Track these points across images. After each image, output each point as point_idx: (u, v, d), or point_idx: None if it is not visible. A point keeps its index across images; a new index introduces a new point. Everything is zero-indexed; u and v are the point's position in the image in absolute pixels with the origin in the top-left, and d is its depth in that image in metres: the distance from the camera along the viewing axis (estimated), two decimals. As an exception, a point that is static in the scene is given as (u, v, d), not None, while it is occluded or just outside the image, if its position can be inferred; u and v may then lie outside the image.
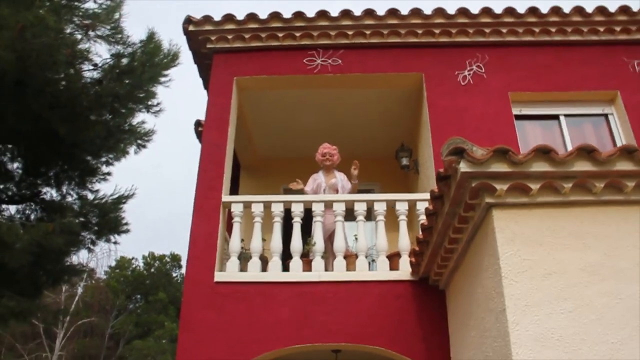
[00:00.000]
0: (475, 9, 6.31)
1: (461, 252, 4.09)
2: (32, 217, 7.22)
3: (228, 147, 5.88)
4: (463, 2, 6.32)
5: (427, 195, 4.44)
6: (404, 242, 5.28)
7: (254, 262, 5.26)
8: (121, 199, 7.48)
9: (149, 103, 7.06)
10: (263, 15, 6.34)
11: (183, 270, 29.67)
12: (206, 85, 6.78)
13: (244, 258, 5.40)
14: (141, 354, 22.80)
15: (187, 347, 4.81)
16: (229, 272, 5.21)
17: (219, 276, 5.15)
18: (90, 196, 7.44)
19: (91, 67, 6.34)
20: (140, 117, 7.51)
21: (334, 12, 6.34)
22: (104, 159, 7.54)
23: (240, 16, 6.35)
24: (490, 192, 3.30)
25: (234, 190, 7.07)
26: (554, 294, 3.09)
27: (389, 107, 6.95)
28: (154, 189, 50.65)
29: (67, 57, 5.69)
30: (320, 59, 6.31)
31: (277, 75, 6.30)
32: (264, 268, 5.31)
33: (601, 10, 6.22)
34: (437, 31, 6.29)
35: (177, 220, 47.00)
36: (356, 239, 5.39)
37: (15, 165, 7.19)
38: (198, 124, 7.59)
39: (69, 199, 7.42)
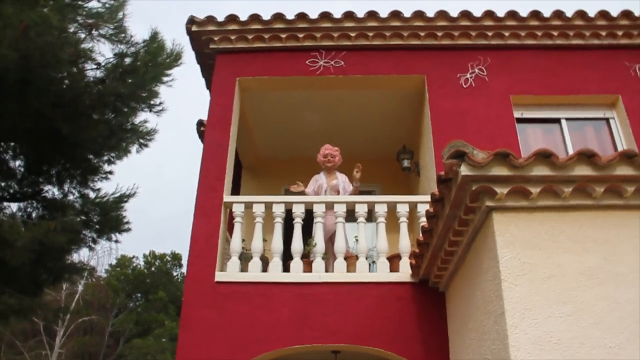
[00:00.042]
0: (477, 12, 6.32)
1: (461, 255, 4.11)
2: (34, 215, 7.24)
3: (230, 147, 5.90)
4: (466, 4, 6.33)
5: (428, 198, 4.45)
6: (405, 243, 5.29)
7: (255, 263, 5.28)
8: (123, 198, 7.49)
9: (152, 102, 7.08)
10: (266, 16, 6.37)
11: (183, 270, 29.76)
12: (209, 85, 6.80)
13: (244, 258, 5.42)
14: (141, 353, 22.82)
15: (187, 346, 4.83)
16: (230, 272, 5.23)
17: (219, 276, 5.17)
18: (92, 195, 7.46)
19: (94, 66, 6.36)
20: (143, 116, 7.56)
21: (337, 14, 6.36)
22: (105, 158, 7.55)
23: (243, 17, 6.38)
24: (491, 196, 3.31)
25: (235, 190, 7.09)
26: (553, 298, 3.10)
27: (390, 109, 6.97)
28: (155, 188, 50.70)
29: (70, 56, 5.71)
30: (322, 60, 6.33)
31: (279, 76, 6.32)
32: (265, 268, 5.33)
33: (603, 14, 6.24)
34: (439, 34, 6.30)
35: (179, 219, 47.07)
36: (357, 240, 5.41)
37: (17, 163, 7.21)
38: (200, 123, 7.62)
39: (71, 197, 7.44)
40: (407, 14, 6.31)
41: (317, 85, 6.42)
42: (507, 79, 6.15)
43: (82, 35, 5.99)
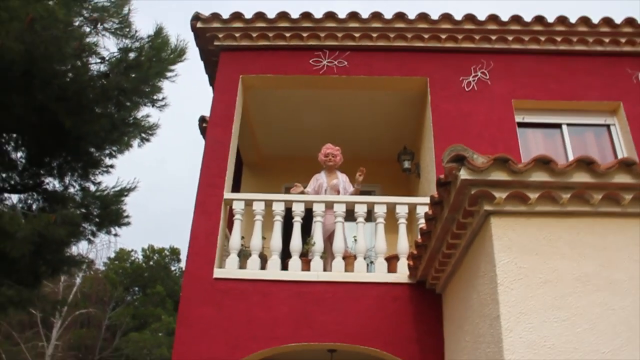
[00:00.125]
0: (482, 16, 6.34)
1: (458, 258, 4.13)
2: (34, 207, 7.27)
3: (232, 144, 5.92)
4: (470, 8, 6.35)
5: (427, 200, 4.48)
6: (403, 245, 5.32)
7: (254, 260, 5.30)
8: (123, 192, 7.51)
9: (155, 97, 7.10)
10: (270, 14, 6.38)
11: (182, 264, 29.81)
12: (212, 82, 6.83)
13: (243, 255, 5.45)
14: (137, 347, 22.86)
15: (184, 342, 4.86)
16: (229, 269, 5.26)
17: (218, 272, 5.20)
18: (93, 188, 7.49)
19: (98, 61, 6.38)
20: (145, 111, 7.57)
21: (342, 14, 6.38)
22: (107, 152, 7.58)
23: (247, 15, 6.40)
24: (489, 200, 3.34)
25: (235, 188, 7.11)
26: (548, 303, 3.13)
27: (392, 110, 6.99)
28: (157, 183, 50.75)
29: (75, 50, 5.73)
30: (326, 60, 6.35)
31: (283, 74, 6.34)
32: (263, 266, 5.36)
33: (607, 21, 6.26)
34: (443, 36, 6.32)
35: (178, 214, 47.11)
36: (355, 240, 5.43)
37: (19, 154, 7.24)
38: (202, 119, 7.63)
39: (71, 190, 7.46)
40: (412, 15, 6.33)
41: (320, 84, 6.44)
42: (510, 83, 6.17)
43: (87, 29, 6.01)
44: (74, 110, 6.13)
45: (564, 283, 3.18)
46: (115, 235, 7.82)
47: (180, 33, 6.91)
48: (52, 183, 7.36)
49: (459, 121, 5.94)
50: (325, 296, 5.07)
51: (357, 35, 6.34)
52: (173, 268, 30.53)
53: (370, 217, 5.62)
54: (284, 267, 5.32)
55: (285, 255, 5.39)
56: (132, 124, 7.35)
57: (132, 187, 7.58)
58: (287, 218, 5.55)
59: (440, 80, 6.22)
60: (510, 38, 6.31)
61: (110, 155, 7.60)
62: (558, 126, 6.22)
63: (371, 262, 5.75)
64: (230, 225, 5.69)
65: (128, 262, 29.38)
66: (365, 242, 5.42)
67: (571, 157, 5.87)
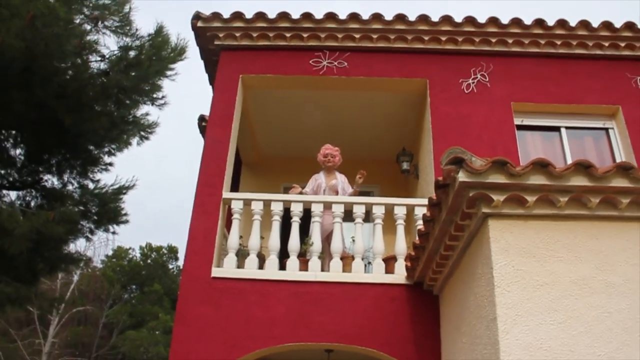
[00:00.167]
0: (482, 18, 6.36)
1: (456, 259, 4.15)
2: (32, 204, 7.28)
3: (231, 143, 5.93)
4: (470, 10, 6.37)
5: (426, 201, 4.49)
6: (401, 246, 5.33)
7: (252, 259, 5.31)
8: (121, 190, 7.53)
9: (154, 96, 7.12)
10: (270, 14, 6.39)
11: (179, 263, 29.79)
12: (212, 81, 6.83)
13: (241, 255, 5.46)
14: (134, 344, 22.84)
15: (182, 341, 4.87)
16: (227, 268, 5.26)
17: (216, 272, 5.21)
18: (91, 185, 7.51)
19: (98, 59, 6.40)
20: (145, 109, 7.58)
21: (342, 15, 6.39)
22: (106, 149, 7.59)
23: (248, 14, 6.41)
24: (487, 202, 3.35)
25: (234, 187, 7.12)
26: (544, 305, 3.15)
27: (392, 111, 7.00)
28: (155, 181, 50.73)
29: (75, 47, 5.74)
30: (326, 60, 6.36)
31: (282, 74, 6.35)
32: (261, 266, 5.37)
33: (607, 25, 6.28)
34: (443, 38, 6.34)
35: (176, 212, 47.06)
36: (353, 240, 5.44)
37: (18, 151, 7.24)
38: (202, 118, 7.64)
39: (70, 187, 7.48)
40: (412, 17, 6.35)
41: (319, 85, 6.45)
42: (509, 86, 6.19)
43: (88, 27, 6.03)
44: (74, 108, 6.14)
45: (561, 286, 3.20)
46: (114, 233, 7.84)
47: (181, 32, 6.94)
48: (50, 180, 7.39)
49: (458, 123, 5.95)
50: (323, 296, 5.08)
51: (357, 36, 6.35)
52: (171, 266, 30.52)
53: (368, 217, 5.64)
54: (282, 267, 5.33)
55: (284, 255, 5.40)
56: (131, 122, 7.37)
57: (131, 185, 7.61)
58: (285, 218, 5.56)
59: (440, 82, 6.24)
60: (510, 41, 6.32)
61: (109, 153, 7.62)
62: (557, 129, 6.24)
63: (369, 263, 5.76)
64: (228, 224, 5.70)
65: (126, 260, 29.36)
66: (363, 243, 5.43)
67: (570, 160, 5.89)
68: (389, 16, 6.35)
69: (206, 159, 5.82)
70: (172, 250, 30.49)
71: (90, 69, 6.35)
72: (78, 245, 10.24)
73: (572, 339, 3.05)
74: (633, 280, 3.21)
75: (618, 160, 5.94)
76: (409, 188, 7.48)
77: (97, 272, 25.41)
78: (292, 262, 5.30)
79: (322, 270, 5.33)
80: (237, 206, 5.53)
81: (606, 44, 6.32)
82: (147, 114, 7.49)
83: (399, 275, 5.18)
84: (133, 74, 6.56)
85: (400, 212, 5.47)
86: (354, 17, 6.35)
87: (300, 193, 5.97)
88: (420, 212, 5.32)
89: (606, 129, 6.22)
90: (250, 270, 5.25)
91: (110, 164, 7.71)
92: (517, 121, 6.07)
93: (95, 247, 22.00)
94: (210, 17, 6.41)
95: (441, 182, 3.58)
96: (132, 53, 6.52)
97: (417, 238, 4.56)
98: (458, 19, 6.33)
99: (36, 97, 5.82)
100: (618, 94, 6.17)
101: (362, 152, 7.62)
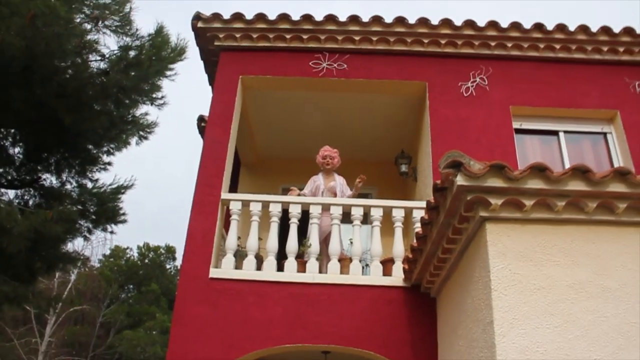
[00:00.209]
0: (482, 22, 6.37)
1: (453, 262, 4.16)
2: (31, 202, 7.28)
3: (230, 144, 5.94)
4: (468, 13, 6.39)
5: (424, 204, 4.50)
6: (398, 248, 5.34)
7: (250, 260, 5.32)
8: (120, 189, 7.53)
9: (154, 96, 7.14)
10: (270, 15, 6.40)
11: (177, 263, 29.78)
12: (211, 82, 6.84)
13: (239, 256, 5.47)
14: (131, 344, 22.83)
15: (179, 341, 4.87)
16: (224, 269, 5.27)
17: (214, 272, 5.21)
18: (90, 185, 7.51)
19: (98, 58, 6.41)
20: (144, 109, 7.59)
21: (342, 17, 6.40)
22: (105, 149, 7.60)
23: (248, 15, 6.42)
24: (485, 206, 3.36)
25: (233, 188, 7.13)
26: (541, 309, 3.16)
27: (391, 113, 7.01)
28: (153, 180, 50.69)
29: (75, 47, 5.75)
30: (326, 62, 6.37)
31: (282, 76, 6.36)
32: (259, 267, 5.37)
33: (606, 30, 6.30)
34: (443, 41, 6.35)
35: (174, 212, 47.05)
36: (351, 242, 5.45)
37: (17, 149, 7.24)
38: (201, 119, 7.64)
39: (68, 186, 7.48)
40: (412, 20, 6.36)
41: (319, 86, 6.47)
42: (508, 90, 6.21)
43: (88, 27, 6.04)
44: (74, 107, 6.15)
45: (558, 290, 3.21)
46: (112, 232, 7.83)
47: (181, 32, 6.95)
48: (49, 179, 7.39)
49: (457, 126, 5.97)
50: (321, 298, 5.09)
51: (357, 38, 6.37)
52: (168, 266, 30.52)
53: (366, 219, 5.64)
54: (280, 268, 5.34)
55: (281, 257, 5.41)
56: (130, 121, 7.39)
57: (129, 184, 7.61)
58: (283, 219, 5.56)
59: (439, 85, 6.25)
60: (509, 44, 6.34)
61: (108, 153, 7.63)
62: (555, 133, 6.25)
63: (366, 265, 5.77)
64: (226, 225, 5.71)
65: (123, 259, 29.35)
66: (361, 245, 5.44)
67: (568, 164, 5.91)
68: (388, 19, 6.38)
69: (205, 160, 5.83)
70: (170, 250, 30.49)
71: (90, 68, 6.36)
72: (76, 245, 10.26)
73: (569, 342, 3.06)
74: (629, 285, 3.22)
75: (616, 164, 5.96)
76: (407, 190, 7.49)
77: (95, 272, 25.39)
78: (290, 263, 5.30)
79: (320, 271, 5.34)
80: (235, 207, 5.53)
81: (605, 49, 6.34)
82: (146, 114, 7.52)
83: (397, 277, 5.19)
84: (133, 73, 6.57)
85: (398, 214, 5.48)
86: (354, 19, 6.36)
87: (299, 195, 5.98)
88: (418, 214, 5.33)
89: (604, 134, 6.24)
90: (248, 271, 5.25)
91: (109, 164, 7.72)
92: (516, 125, 6.09)
93: (93, 246, 21.93)
94: (210, 17, 6.42)
95: (439, 186, 3.59)
96: (132, 53, 6.54)
97: (414, 241, 4.57)
98: (458, 22, 6.35)
99: (36, 96, 5.83)
100: (616, 98, 6.19)
101: (361, 154, 7.64)
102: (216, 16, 6.43)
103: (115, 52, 6.44)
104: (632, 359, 3.01)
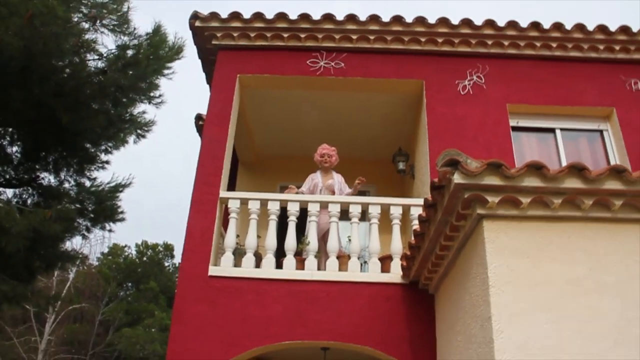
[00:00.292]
0: (478, 20, 6.40)
1: (451, 259, 4.19)
2: (29, 201, 7.27)
3: (228, 143, 5.96)
4: (467, 11, 6.41)
5: (421, 201, 4.53)
6: (397, 245, 5.37)
7: (248, 258, 5.34)
8: (118, 188, 7.52)
9: (151, 94, 7.13)
10: (268, 14, 6.41)
11: (175, 260, 29.78)
12: (209, 81, 6.85)
13: (238, 253, 5.49)
14: (130, 342, 22.82)
15: (179, 339, 4.90)
16: (223, 267, 5.29)
17: (213, 270, 5.24)
18: (88, 183, 7.50)
19: (96, 57, 6.40)
20: (142, 108, 7.59)
21: (340, 16, 6.42)
22: (103, 148, 7.59)
23: (246, 14, 6.43)
24: (482, 204, 3.39)
25: (230, 186, 7.14)
26: (538, 305, 3.19)
27: (388, 112, 7.04)
28: (151, 179, 50.64)
29: (73, 46, 5.75)
30: (323, 61, 6.39)
31: (280, 74, 6.38)
32: (258, 264, 5.40)
33: (602, 28, 6.33)
34: (440, 40, 6.38)
35: (172, 210, 47.04)
36: (349, 240, 5.48)
37: (15, 148, 7.24)
38: (199, 117, 7.65)
39: (67, 185, 7.47)
40: (409, 19, 6.38)
41: (317, 85, 6.48)
42: (505, 88, 6.23)
43: (86, 26, 6.03)
44: (71, 106, 6.15)
45: (554, 286, 3.25)
46: (110, 230, 7.83)
47: (179, 31, 6.95)
48: (47, 178, 7.38)
49: (454, 124, 6.00)
50: (319, 295, 5.11)
51: (354, 37, 6.38)
52: (167, 264, 30.49)
53: (364, 217, 5.67)
54: (279, 265, 5.37)
55: (280, 254, 5.44)
56: (128, 120, 7.38)
57: (128, 183, 7.60)
58: (282, 217, 5.58)
59: (436, 83, 6.28)
60: (506, 43, 6.37)
61: (106, 151, 7.62)
62: (552, 131, 6.29)
63: (365, 262, 5.80)
64: (225, 223, 5.73)
65: (122, 257, 29.31)
66: (359, 242, 5.47)
67: (564, 162, 5.95)
68: (386, 18, 6.40)
69: (203, 158, 5.85)
70: (168, 248, 30.47)
71: (88, 67, 6.35)
72: (74, 243, 10.27)
73: (565, 338, 3.09)
74: (626, 281, 3.26)
75: (612, 162, 6.00)
76: (405, 188, 7.52)
77: (93, 270, 25.39)
78: (289, 261, 5.33)
79: (319, 269, 5.37)
80: (234, 205, 5.56)
81: (601, 47, 6.37)
82: (144, 113, 7.50)
83: (395, 274, 5.22)
84: (130, 72, 6.56)
85: (396, 212, 5.51)
86: (352, 18, 6.38)
87: (297, 193, 6.00)
88: (416, 212, 5.36)
89: (600, 131, 6.28)
90: (247, 269, 5.28)
91: (107, 162, 7.71)
92: (513, 122, 6.12)
93: (92, 244, 21.95)
94: (208, 16, 6.43)
95: (437, 184, 3.62)
96: (129, 52, 6.52)
97: (412, 238, 4.60)
98: (454, 21, 6.38)
99: (34, 95, 5.83)
100: (613, 96, 6.23)
101: (359, 152, 7.66)
102: (214, 15, 6.44)
103: (113, 51, 6.43)
104: (629, 354, 3.04)
